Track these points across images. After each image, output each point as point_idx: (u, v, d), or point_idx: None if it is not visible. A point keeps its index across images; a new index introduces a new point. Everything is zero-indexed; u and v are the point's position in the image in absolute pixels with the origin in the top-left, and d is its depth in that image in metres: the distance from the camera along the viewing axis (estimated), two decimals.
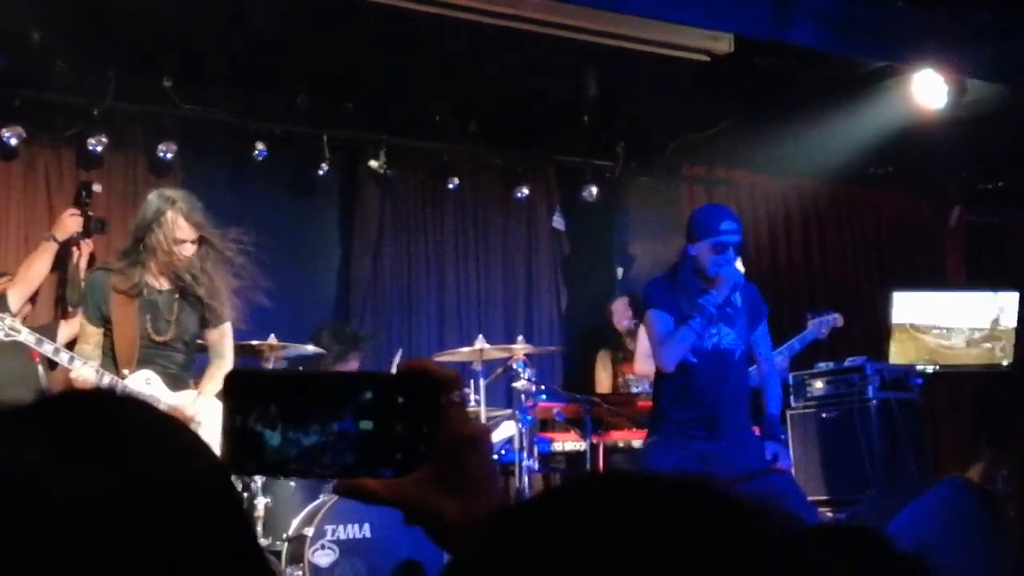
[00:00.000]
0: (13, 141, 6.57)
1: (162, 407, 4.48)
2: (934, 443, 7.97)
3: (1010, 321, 7.99)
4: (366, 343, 7.07)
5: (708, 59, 6.39)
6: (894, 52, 6.76)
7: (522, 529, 0.71)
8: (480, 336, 6.24)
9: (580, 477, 0.79)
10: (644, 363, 6.08)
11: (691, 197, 8.63)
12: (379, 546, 5.32)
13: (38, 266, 5.98)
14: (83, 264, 6.11)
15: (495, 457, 6.06)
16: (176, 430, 0.74)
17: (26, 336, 4.57)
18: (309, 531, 5.35)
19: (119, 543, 0.64)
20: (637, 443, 6.30)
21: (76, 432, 0.68)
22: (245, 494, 5.27)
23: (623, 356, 7.37)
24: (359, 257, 7.77)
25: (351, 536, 5.38)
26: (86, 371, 4.54)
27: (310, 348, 6.28)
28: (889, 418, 7.03)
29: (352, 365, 6.65)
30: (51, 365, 5.80)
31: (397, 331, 7.81)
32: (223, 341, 4.97)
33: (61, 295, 6.34)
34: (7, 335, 4.50)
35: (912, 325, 8.00)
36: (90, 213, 6.24)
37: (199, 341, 5.01)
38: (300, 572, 5.32)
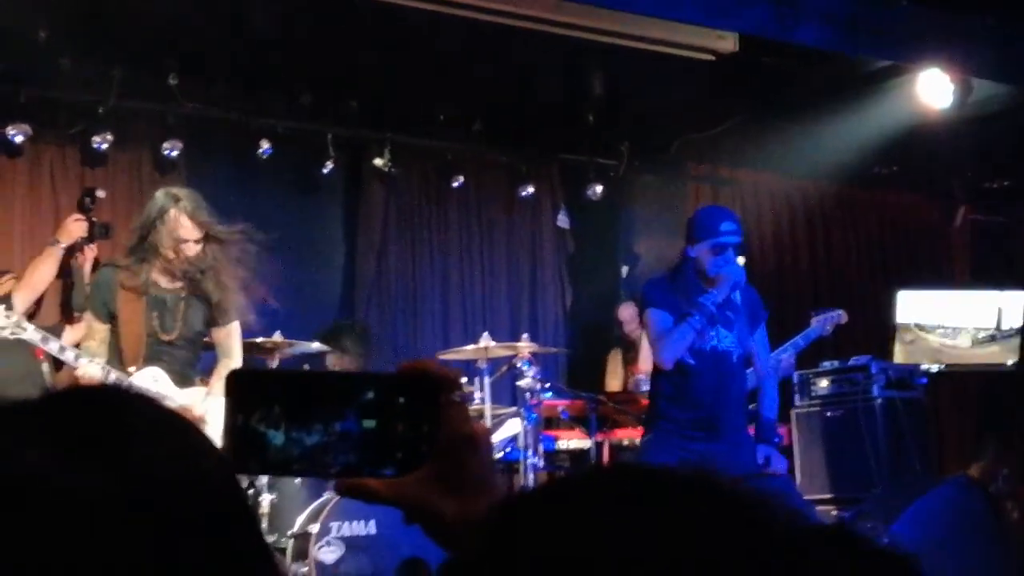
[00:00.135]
0: (18, 139, 6.57)
1: (171, 405, 4.49)
2: (938, 442, 7.96)
3: (1015, 320, 7.98)
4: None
5: (713, 58, 6.38)
6: (899, 51, 6.76)
7: (526, 519, 0.71)
8: (485, 334, 6.23)
9: (585, 469, 0.80)
10: (649, 361, 6.08)
11: (696, 196, 8.63)
12: (384, 543, 5.32)
13: (43, 271, 5.98)
14: (87, 269, 6.11)
15: (498, 456, 6.06)
16: (181, 427, 0.74)
17: (32, 333, 4.57)
18: (314, 528, 5.35)
19: (119, 543, 0.63)
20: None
21: (78, 430, 0.68)
22: (250, 491, 5.27)
23: (634, 355, 7.37)
24: (363, 255, 7.77)
25: (356, 533, 5.38)
26: (92, 368, 4.54)
27: (315, 345, 6.28)
28: (894, 417, 7.03)
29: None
30: (56, 364, 5.81)
31: (402, 329, 7.82)
32: (230, 340, 4.97)
33: (66, 300, 6.34)
34: (13, 332, 4.50)
35: (917, 324, 7.99)
36: (94, 219, 6.24)
37: (205, 339, 5.01)
38: (305, 569, 5.32)
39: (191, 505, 0.68)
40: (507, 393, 6.75)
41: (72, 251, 6.13)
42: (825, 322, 6.38)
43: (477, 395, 6.05)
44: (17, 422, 0.70)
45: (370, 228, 7.79)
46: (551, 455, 6.39)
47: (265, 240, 4.96)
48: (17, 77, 6.51)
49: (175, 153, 6.91)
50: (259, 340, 5.70)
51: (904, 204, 9.53)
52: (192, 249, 4.73)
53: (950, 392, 8.76)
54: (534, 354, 6.28)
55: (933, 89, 7.02)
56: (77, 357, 4.56)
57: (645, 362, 6.31)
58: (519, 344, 6.27)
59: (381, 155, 7.58)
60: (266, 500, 5.35)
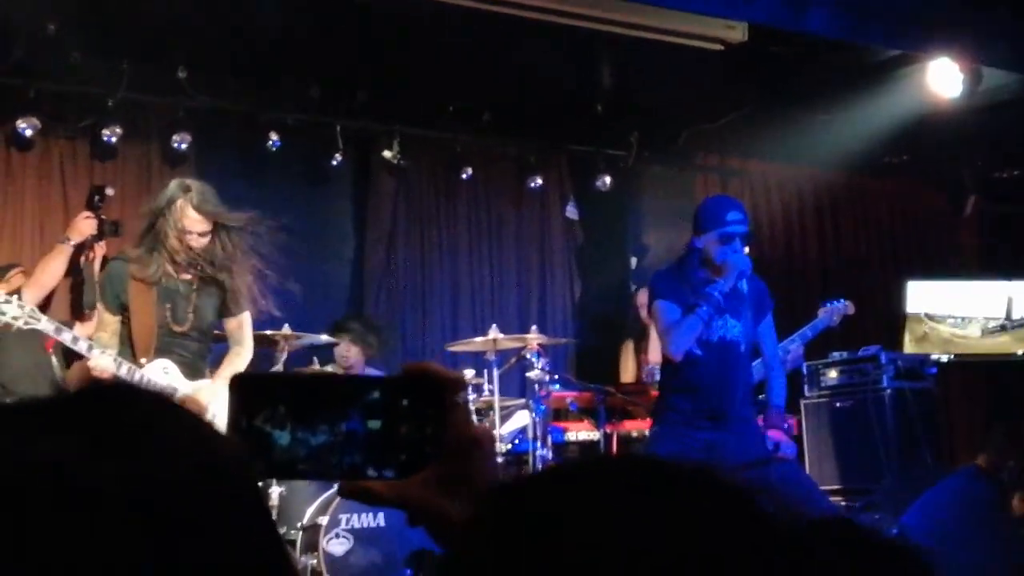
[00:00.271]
0: (28, 132, 6.59)
1: (179, 396, 4.50)
2: (948, 432, 7.95)
3: None
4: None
5: (722, 48, 6.36)
6: (909, 40, 6.73)
7: (534, 500, 0.71)
8: (494, 326, 6.24)
9: (593, 456, 0.80)
10: (657, 351, 6.08)
11: (705, 186, 8.62)
12: (393, 535, 5.34)
13: (52, 268, 5.99)
14: (96, 266, 6.12)
15: (506, 447, 6.07)
16: (201, 426, 0.74)
17: (46, 324, 4.58)
18: (324, 520, 5.37)
19: (144, 534, 0.64)
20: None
21: (102, 424, 0.69)
22: (259, 483, 5.28)
23: (646, 344, 7.36)
24: (373, 247, 7.78)
25: (366, 525, 5.40)
26: (104, 360, 4.55)
27: (324, 338, 6.30)
28: (903, 408, 7.03)
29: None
30: (65, 357, 5.83)
31: (411, 321, 7.83)
32: (242, 330, 4.97)
33: (75, 297, 6.36)
34: (27, 323, 4.51)
35: (927, 314, 7.98)
36: (103, 217, 6.25)
37: (216, 331, 5.02)
38: (315, 561, 5.34)
39: (214, 499, 0.69)
40: (516, 385, 6.77)
41: (82, 249, 6.14)
42: (832, 313, 6.38)
43: (486, 387, 6.06)
44: (42, 414, 0.70)
45: (379, 220, 7.80)
46: (560, 447, 6.40)
47: (275, 227, 4.96)
48: (27, 71, 6.53)
49: (184, 146, 6.93)
50: (268, 332, 5.71)
51: (914, 194, 9.51)
52: (196, 241, 4.72)
53: (960, 382, 8.75)
54: (543, 346, 6.29)
55: (943, 78, 7.00)
56: (90, 348, 4.57)
57: (654, 352, 6.30)
58: (528, 336, 6.28)
59: (390, 147, 7.59)
60: (275, 493, 5.37)
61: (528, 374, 6.16)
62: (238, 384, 0.94)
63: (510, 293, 8.21)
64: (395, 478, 0.94)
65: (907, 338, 7.87)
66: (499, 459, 5.96)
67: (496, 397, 5.98)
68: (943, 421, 7.46)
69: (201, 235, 4.72)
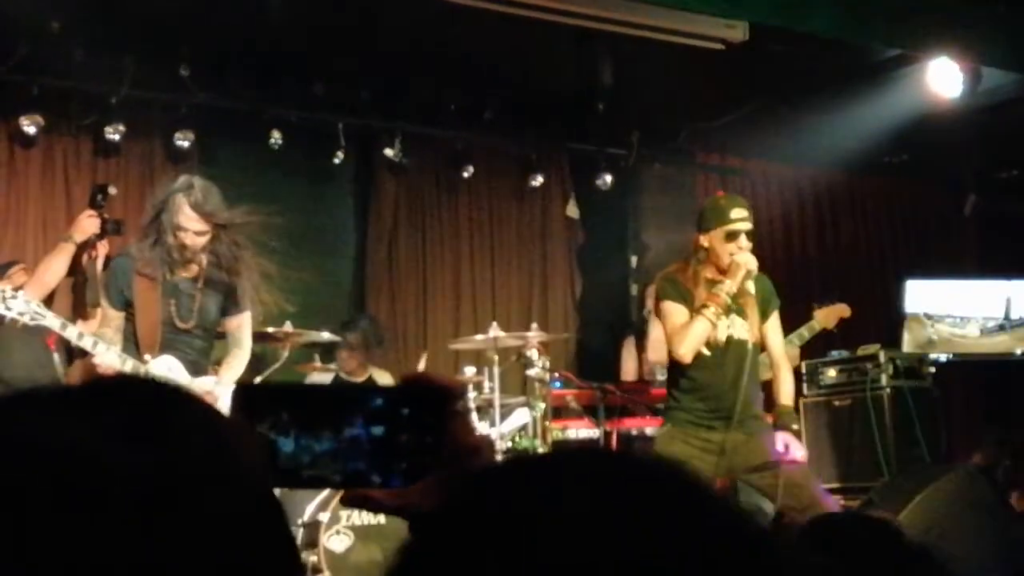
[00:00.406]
0: (31, 130, 6.61)
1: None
2: (947, 432, 7.96)
3: None
4: None
5: (723, 47, 6.38)
6: (909, 40, 6.75)
7: (494, 497, 0.73)
8: (494, 324, 6.26)
9: (557, 451, 0.82)
10: (656, 350, 6.10)
11: (705, 185, 8.63)
12: (394, 532, 5.35)
13: (54, 267, 5.98)
14: (99, 265, 6.12)
15: (507, 445, 6.08)
16: (220, 419, 0.76)
17: (51, 320, 4.58)
18: (324, 516, 5.39)
19: (167, 523, 0.65)
20: (651, 431, 6.32)
21: (127, 413, 0.70)
22: None
23: (648, 344, 7.37)
24: (374, 245, 7.80)
25: (366, 522, 5.42)
26: (109, 356, 4.56)
27: (325, 335, 6.32)
28: (902, 407, 7.04)
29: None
30: (68, 354, 5.84)
31: (412, 318, 7.84)
32: (242, 330, 4.97)
33: (77, 296, 6.36)
34: (33, 319, 4.52)
35: (926, 314, 7.99)
36: (106, 215, 6.25)
37: (219, 328, 5.02)
38: (315, 558, 5.35)
39: (227, 495, 0.70)
40: (516, 383, 6.78)
41: (84, 247, 6.14)
42: (828, 315, 6.40)
43: (486, 385, 6.08)
44: (63, 403, 0.71)
45: (381, 218, 7.81)
46: (560, 445, 6.40)
47: (275, 229, 4.96)
48: (30, 68, 6.54)
49: (187, 144, 6.94)
50: (270, 330, 5.73)
51: (913, 193, 9.52)
52: (192, 239, 4.68)
53: (959, 382, 8.76)
54: (543, 343, 6.30)
55: (943, 78, 7.00)
56: (95, 344, 4.58)
57: (653, 351, 6.32)
58: (528, 334, 6.29)
59: (392, 145, 7.60)
60: (276, 490, 5.38)
61: (528, 372, 6.17)
62: (242, 392, 0.96)
63: (511, 291, 8.22)
64: (396, 486, 0.95)
65: (906, 337, 7.88)
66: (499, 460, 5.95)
67: (496, 395, 6.00)
68: (942, 420, 7.46)
69: (198, 234, 4.68)
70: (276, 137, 7.13)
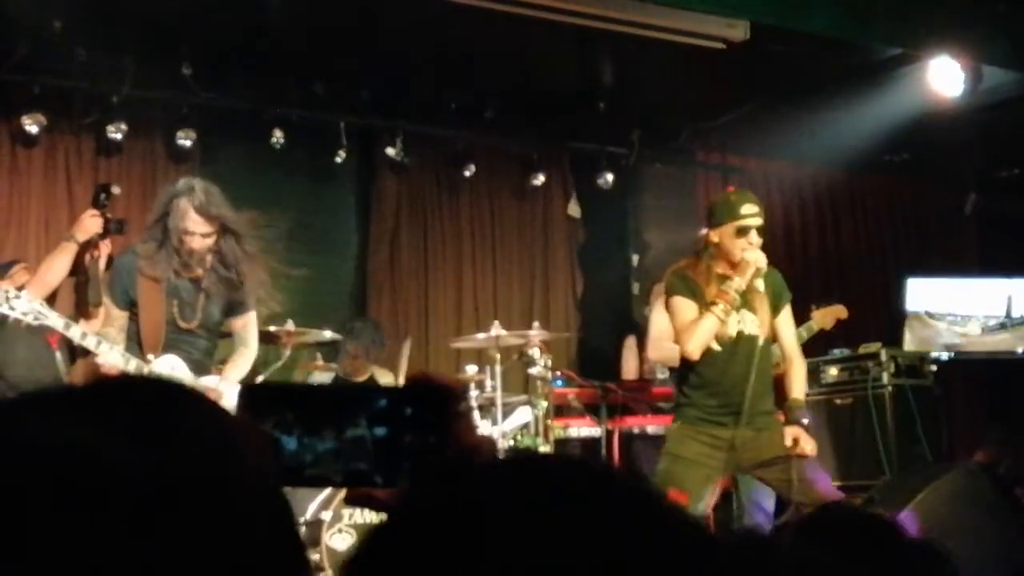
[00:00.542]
0: (33, 129, 6.61)
1: None
2: (948, 430, 7.97)
3: None
4: None
5: (723, 46, 6.38)
6: (910, 39, 6.75)
7: (456, 501, 0.74)
8: (496, 322, 6.27)
9: (523, 457, 0.83)
10: (656, 349, 6.09)
11: (706, 184, 8.64)
12: None
13: (56, 266, 5.97)
14: (102, 264, 6.12)
15: (508, 444, 6.09)
16: (228, 418, 0.76)
17: (55, 320, 4.59)
18: (327, 515, 5.39)
19: (174, 522, 0.65)
20: (652, 429, 6.33)
21: (136, 413, 0.70)
22: None
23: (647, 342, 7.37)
24: (376, 244, 7.81)
25: (369, 520, 5.42)
26: (113, 355, 4.56)
27: (327, 334, 6.32)
28: (904, 405, 7.05)
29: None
30: (70, 354, 5.84)
31: (413, 317, 7.85)
32: (247, 329, 4.98)
33: (79, 296, 6.36)
34: (36, 318, 4.52)
35: (927, 312, 8.00)
36: (108, 215, 6.26)
37: (222, 328, 5.03)
38: (317, 556, 5.36)
39: (236, 493, 0.70)
40: (518, 381, 6.78)
41: (86, 247, 6.14)
42: (825, 316, 6.41)
43: (488, 383, 6.09)
44: (71, 403, 0.72)
45: (382, 217, 7.82)
46: (562, 443, 6.42)
47: (277, 229, 4.97)
48: (32, 67, 6.55)
49: (189, 143, 6.95)
50: (272, 329, 5.73)
51: (914, 192, 9.53)
52: (197, 242, 4.69)
53: (960, 380, 8.77)
54: (545, 342, 6.31)
55: (944, 77, 7.01)
56: (99, 344, 4.58)
57: (652, 349, 6.30)
58: (530, 332, 6.30)
59: (393, 144, 7.61)
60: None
61: (530, 370, 6.18)
62: (247, 392, 0.97)
63: (512, 290, 8.23)
64: (399, 486, 0.96)
65: (907, 336, 7.88)
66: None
67: (498, 393, 6.01)
68: (943, 419, 7.47)
69: (204, 236, 4.70)
70: (277, 136, 7.14)
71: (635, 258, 8.38)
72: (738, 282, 4.56)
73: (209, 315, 4.83)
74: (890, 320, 8.15)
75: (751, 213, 4.59)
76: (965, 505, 5.20)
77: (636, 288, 8.19)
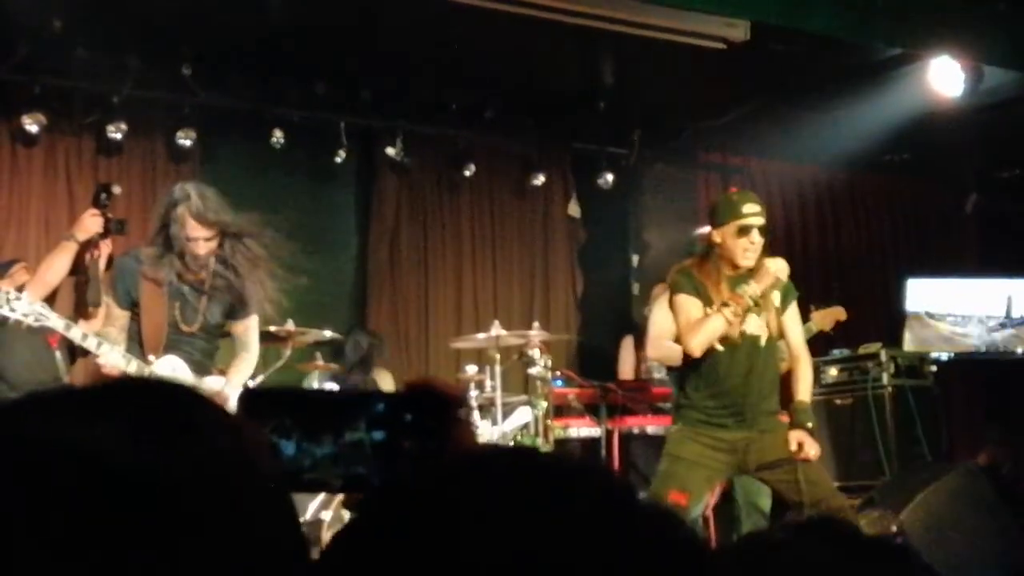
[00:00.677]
0: (34, 128, 6.62)
1: None
2: (948, 430, 7.97)
3: None
4: None
5: (724, 46, 6.38)
6: (911, 39, 6.75)
7: (422, 502, 0.74)
8: (496, 322, 6.27)
9: (491, 455, 0.82)
10: (656, 347, 6.07)
11: (707, 184, 8.64)
12: None
13: (56, 266, 5.97)
14: (102, 264, 6.12)
15: (508, 444, 6.10)
16: (232, 420, 0.76)
17: (55, 321, 4.59)
18: (326, 515, 5.40)
19: (179, 523, 0.65)
20: (652, 429, 6.33)
21: (140, 414, 0.70)
22: None
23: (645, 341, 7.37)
24: (376, 243, 7.81)
25: None
26: (113, 356, 4.56)
27: (327, 334, 6.32)
28: (903, 405, 7.05)
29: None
30: (70, 354, 5.84)
31: (413, 317, 7.85)
32: (248, 333, 4.98)
33: (79, 296, 6.35)
34: (37, 319, 4.52)
35: (927, 312, 8.00)
36: (109, 215, 6.26)
37: (223, 331, 5.03)
38: (317, 556, 5.36)
39: (241, 495, 0.70)
40: (518, 381, 6.79)
41: (86, 246, 6.14)
42: (824, 317, 6.40)
43: (488, 383, 6.09)
44: (75, 404, 0.72)
45: (382, 217, 7.82)
46: (562, 443, 6.42)
47: (277, 228, 4.97)
48: (32, 67, 6.55)
49: (189, 143, 6.95)
50: (272, 329, 5.73)
51: (914, 192, 9.53)
52: (202, 247, 4.69)
53: (960, 380, 8.77)
54: (545, 342, 6.31)
55: (944, 77, 7.01)
56: (99, 344, 4.58)
57: (651, 348, 6.29)
58: (530, 332, 6.30)
59: (393, 144, 7.61)
60: None
61: (530, 371, 6.18)
62: (246, 396, 0.96)
63: (512, 290, 8.23)
64: None
65: (907, 336, 7.89)
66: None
67: (498, 393, 6.01)
68: (943, 419, 7.47)
69: (207, 240, 4.71)
70: (278, 136, 7.14)
71: (635, 258, 8.39)
72: (754, 288, 4.52)
73: (211, 318, 4.84)
74: (890, 320, 8.15)
75: (753, 212, 4.57)
76: (965, 506, 5.20)
77: (636, 288, 8.19)
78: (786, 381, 4.81)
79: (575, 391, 6.58)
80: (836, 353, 7.42)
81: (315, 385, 6.56)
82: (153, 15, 6.26)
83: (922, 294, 8.04)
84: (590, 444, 6.51)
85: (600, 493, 0.73)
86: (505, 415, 6.06)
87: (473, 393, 6.09)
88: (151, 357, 4.69)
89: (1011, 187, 9.27)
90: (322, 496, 5.49)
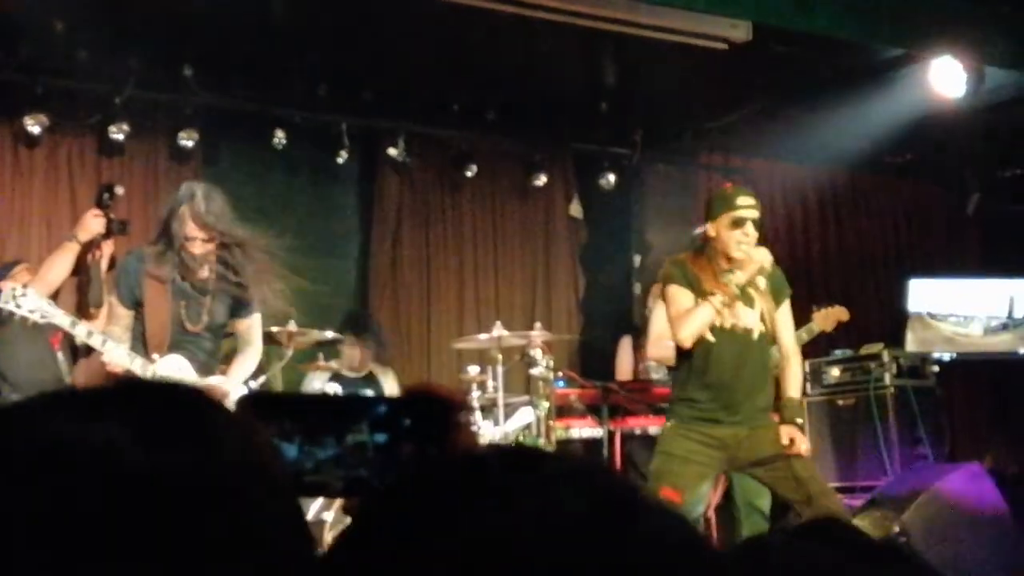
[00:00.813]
0: (36, 129, 6.62)
1: None
2: (951, 431, 7.97)
3: None
4: None
5: (726, 47, 6.38)
6: (912, 39, 6.75)
7: (400, 511, 0.74)
8: (498, 323, 6.27)
9: (471, 459, 0.82)
10: (656, 347, 6.08)
11: (708, 185, 8.62)
12: None
13: (58, 266, 5.97)
14: (104, 265, 6.12)
15: (511, 444, 6.10)
16: (240, 420, 0.77)
17: (61, 318, 4.60)
18: (328, 516, 5.39)
19: (194, 522, 0.66)
20: (654, 430, 6.33)
21: (150, 414, 0.70)
22: None
23: (644, 341, 7.37)
24: (378, 244, 7.81)
25: None
26: (118, 354, 4.57)
27: (329, 334, 6.33)
28: (906, 406, 7.04)
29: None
30: (72, 354, 5.84)
31: (416, 318, 7.85)
32: (251, 331, 5.00)
33: (81, 296, 6.36)
34: (43, 316, 4.53)
35: (929, 313, 7.99)
36: (111, 215, 6.26)
37: (227, 329, 5.04)
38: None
39: (264, 498, 0.71)
40: (520, 382, 6.79)
41: (89, 247, 6.14)
42: (826, 318, 6.41)
43: (490, 384, 6.10)
44: (85, 404, 0.72)
45: (384, 217, 7.82)
46: (563, 444, 6.42)
47: (279, 229, 4.98)
48: (34, 68, 6.56)
49: (191, 143, 6.95)
50: (273, 329, 5.73)
51: (916, 193, 9.52)
52: (199, 247, 4.71)
53: (962, 381, 8.77)
54: (546, 343, 6.32)
55: (946, 77, 7.00)
56: (104, 342, 4.59)
57: (652, 347, 6.30)
58: (532, 333, 6.31)
59: (395, 145, 7.61)
60: None
61: (532, 371, 6.19)
62: (248, 401, 0.97)
63: (514, 291, 8.23)
64: None
65: (909, 336, 7.88)
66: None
67: (500, 394, 6.01)
68: (945, 419, 7.47)
69: (204, 242, 4.72)
70: (280, 137, 7.14)
71: (637, 259, 8.39)
72: (739, 276, 4.57)
73: (215, 318, 4.85)
74: (892, 321, 8.14)
75: (746, 205, 4.60)
76: (966, 507, 5.20)
77: (638, 289, 8.19)
78: (777, 381, 4.84)
79: (577, 392, 6.59)
80: (838, 353, 7.42)
81: (316, 385, 6.57)
82: (155, 16, 6.27)
83: (924, 294, 8.03)
84: (592, 445, 6.52)
85: (602, 493, 0.74)
86: (507, 416, 6.07)
87: (475, 394, 6.10)
88: (155, 356, 4.70)
89: (1013, 188, 9.26)
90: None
